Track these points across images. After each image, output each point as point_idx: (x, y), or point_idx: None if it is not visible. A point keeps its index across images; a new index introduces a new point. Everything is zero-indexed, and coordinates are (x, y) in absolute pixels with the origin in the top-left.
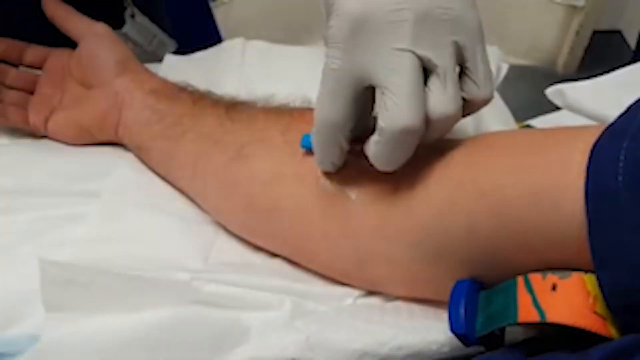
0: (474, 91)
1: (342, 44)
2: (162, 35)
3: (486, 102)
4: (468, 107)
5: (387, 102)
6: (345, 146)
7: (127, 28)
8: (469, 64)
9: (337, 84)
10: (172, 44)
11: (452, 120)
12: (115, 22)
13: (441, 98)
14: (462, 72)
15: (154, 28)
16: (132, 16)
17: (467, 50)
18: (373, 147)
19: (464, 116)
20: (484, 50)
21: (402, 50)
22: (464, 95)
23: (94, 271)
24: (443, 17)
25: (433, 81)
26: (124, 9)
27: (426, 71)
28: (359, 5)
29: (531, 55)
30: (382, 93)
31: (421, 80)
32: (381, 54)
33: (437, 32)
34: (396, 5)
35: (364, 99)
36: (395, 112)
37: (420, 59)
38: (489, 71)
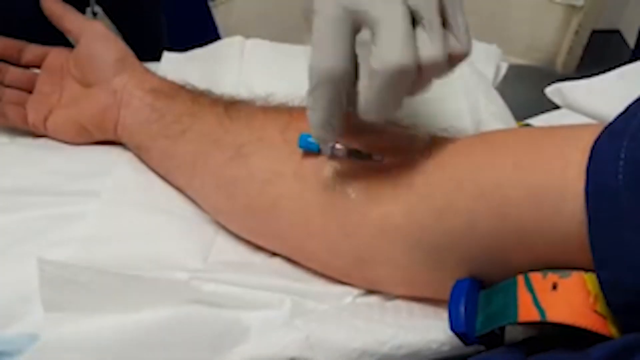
0: (454, 45)
1: None
2: (115, 32)
3: (465, 56)
4: (448, 62)
5: (380, 41)
6: (345, 104)
7: None
8: (450, 19)
9: (332, 27)
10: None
11: (440, 67)
12: None
13: (429, 45)
14: (443, 27)
15: (115, 31)
16: (94, 14)
17: (448, 4)
18: (364, 93)
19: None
20: (461, 6)
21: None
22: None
23: (92, 271)
24: None
25: (419, 32)
26: (86, 6)
27: (414, 23)
28: None
29: (530, 54)
30: (374, 34)
31: (410, 25)
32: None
33: None
34: None
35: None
36: (389, 50)
37: (409, 7)
38: (467, 26)
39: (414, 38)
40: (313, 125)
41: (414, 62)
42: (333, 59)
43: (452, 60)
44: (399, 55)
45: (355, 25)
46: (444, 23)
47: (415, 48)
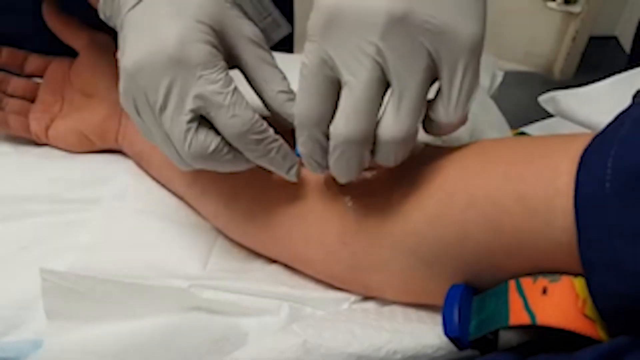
0: (441, 116)
1: (316, 37)
2: (277, 16)
3: (454, 129)
4: (435, 127)
5: (340, 105)
6: (326, 144)
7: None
8: (443, 87)
9: (308, 78)
10: (286, 27)
11: (400, 145)
12: None
13: (390, 120)
14: (438, 91)
15: (270, 6)
16: None
17: (444, 69)
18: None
19: (436, 133)
20: (471, 72)
21: (365, 55)
22: (431, 115)
23: (93, 280)
24: (424, 26)
25: (391, 99)
26: None
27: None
28: None
29: (528, 60)
30: (341, 94)
31: (378, 91)
32: (345, 54)
33: (409, 41)
34: (372, 3)
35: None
36: (341, 119)
37: (382, 67)
38: (467, 96)
39: (372, 109)
40: (303, 160)
41: (364, 136)
42: (305, 108)
43: (438, 128)
44: (344, 128)
45: (332, 77)
46: (439, 87)
47: (367, 121)
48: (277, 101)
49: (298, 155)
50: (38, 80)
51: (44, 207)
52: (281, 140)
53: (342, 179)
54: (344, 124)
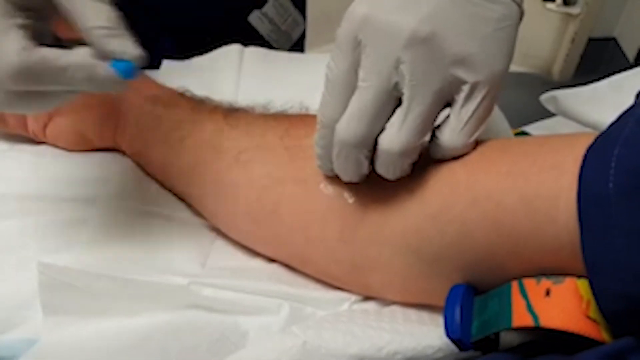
0: (446, 139)
1: (344, 44)
2: (296, 15)
3: (457, 154)
4: (439, 150)
5: (347, 109)
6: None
7: (267, 7)
8: (454, 110)
9: (333, 83)
10: (302, 22)
11: (398, 158)
12: (258, 1)
13: (392, 131)
14: (448, 115)
15: (290, 7)
16: None
17: (459, 95)
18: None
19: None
20: (486, 103)
21: (385, 66)
22: (438, 135)
23: (91, 275)
24: (446, 51)
25: (398, 111)
26: None
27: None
28: (364, 9)
29: (527, 62)
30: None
31: (387, 102)
32: (368, 62)
33: (428, 62)
34: (400, 19)
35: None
36: (344, 121)
37: (397, 82)
38: (476, 125)
39: (379, 117)
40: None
41: (361, 141)
42: (332, 107)
43: (444, 153)
44: (344, 130)
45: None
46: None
47: (366, 129)
48: (93, 37)
49: (114, 67)
50: None
51: (43, 205)
52: (71, 58)
53: (343, 178)
54: (345, 126)
